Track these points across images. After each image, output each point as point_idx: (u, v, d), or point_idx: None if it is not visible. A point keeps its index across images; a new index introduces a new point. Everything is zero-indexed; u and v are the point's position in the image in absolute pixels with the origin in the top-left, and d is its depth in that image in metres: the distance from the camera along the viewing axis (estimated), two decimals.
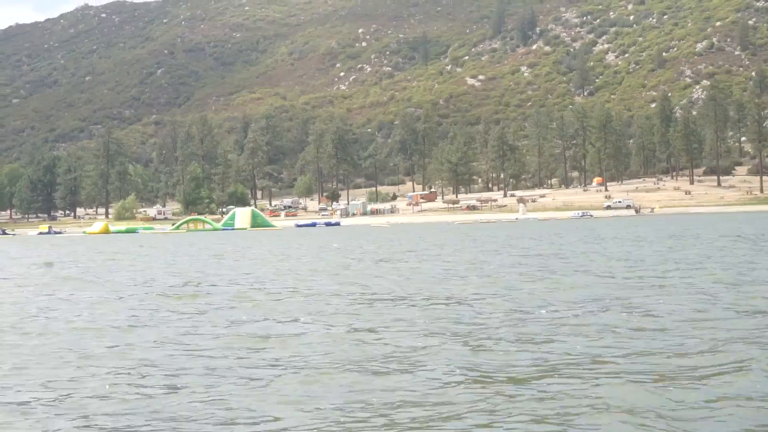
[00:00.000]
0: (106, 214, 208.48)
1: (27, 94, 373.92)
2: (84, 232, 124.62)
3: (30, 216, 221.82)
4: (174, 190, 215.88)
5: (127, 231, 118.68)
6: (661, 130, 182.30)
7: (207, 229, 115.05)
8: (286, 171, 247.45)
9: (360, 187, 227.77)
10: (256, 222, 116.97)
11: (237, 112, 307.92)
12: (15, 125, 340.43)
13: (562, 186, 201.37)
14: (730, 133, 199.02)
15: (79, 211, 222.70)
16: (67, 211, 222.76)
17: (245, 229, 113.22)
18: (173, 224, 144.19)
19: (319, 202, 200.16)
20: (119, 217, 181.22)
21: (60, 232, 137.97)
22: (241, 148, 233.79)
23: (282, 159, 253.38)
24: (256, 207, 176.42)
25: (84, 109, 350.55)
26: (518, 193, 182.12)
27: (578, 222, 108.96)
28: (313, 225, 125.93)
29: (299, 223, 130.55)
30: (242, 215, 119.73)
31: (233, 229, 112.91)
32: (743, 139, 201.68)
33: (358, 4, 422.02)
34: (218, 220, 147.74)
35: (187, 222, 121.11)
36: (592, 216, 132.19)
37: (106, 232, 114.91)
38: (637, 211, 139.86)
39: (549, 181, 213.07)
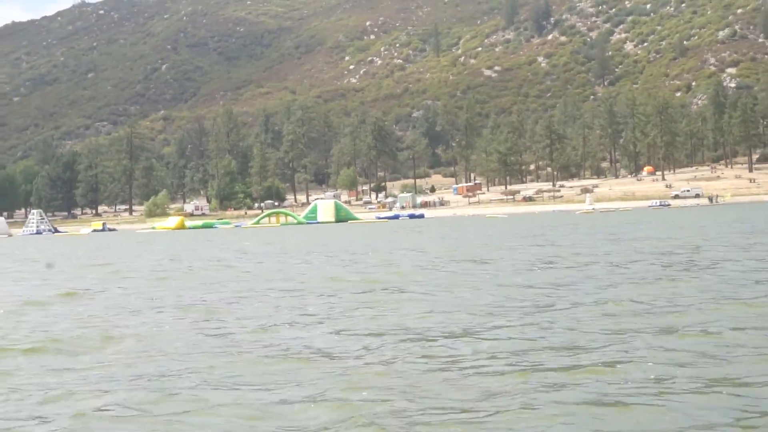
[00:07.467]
0: (130, 210, 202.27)
1: (28, 92, 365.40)
2: (153, 227, 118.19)
3: (48, 215, 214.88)
4: (201, 186, 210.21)
5: (204, 226, 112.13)
6: (715, 117, 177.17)
7: (291, 223, 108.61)
8: (310, 164, 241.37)
9: (384, 180, 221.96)
10: (340, 215, 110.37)
11: (246, 107, 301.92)
12: (17, 123, 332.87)
13: (595, 176, 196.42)
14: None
15: (100, 208, 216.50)
16: (85, 210, 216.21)
17: (330, 222, 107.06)
18: (216, 218, 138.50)
19: (356, 196, 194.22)
20: (150, 214, 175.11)
21: (114, 229, 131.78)
22: (263, 142, 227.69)
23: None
24: (296, 201, 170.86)
25: (88, 106, 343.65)
26: (567, 183, 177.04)
27: (686, 213, 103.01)
28: (396, 218, 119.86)
29: (380, 216, 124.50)
30: (325, 208, 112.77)
31: (317, 223, 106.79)
32: None
33: None
34: (255, 216, 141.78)
35: (268, 216, 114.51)
36: (670, 206, 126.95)
37: (182, 227, 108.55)
38: (711, 200, 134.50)
39: (584, 172, 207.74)
